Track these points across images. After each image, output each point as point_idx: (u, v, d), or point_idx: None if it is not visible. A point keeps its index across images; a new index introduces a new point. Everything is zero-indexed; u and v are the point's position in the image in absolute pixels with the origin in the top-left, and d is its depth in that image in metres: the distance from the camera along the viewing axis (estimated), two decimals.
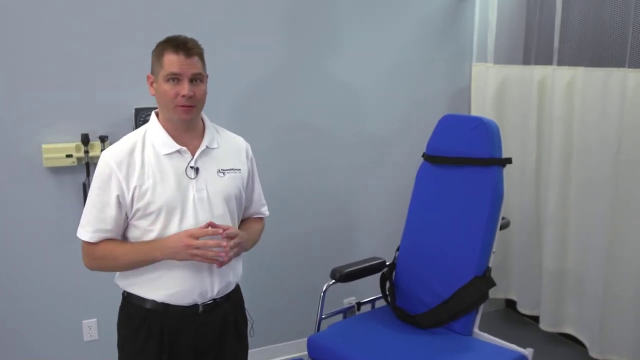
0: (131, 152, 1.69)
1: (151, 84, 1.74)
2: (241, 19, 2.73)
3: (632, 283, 2.69)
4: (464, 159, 2.21)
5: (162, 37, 2.55)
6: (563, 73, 2.92)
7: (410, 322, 2.22)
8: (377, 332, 2.17)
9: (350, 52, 3.02)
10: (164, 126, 1.73)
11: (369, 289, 2.58)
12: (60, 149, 2.48)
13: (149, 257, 1.68)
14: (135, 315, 1.76)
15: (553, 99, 2.96)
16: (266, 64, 2.80)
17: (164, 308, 1.72)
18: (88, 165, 2.53)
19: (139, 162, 1.68)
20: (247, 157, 1.88)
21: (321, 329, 2.25)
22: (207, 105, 1.78)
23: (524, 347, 2.06)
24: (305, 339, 2.23)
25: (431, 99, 3.29)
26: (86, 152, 2.50)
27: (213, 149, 1.78)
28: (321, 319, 2.16)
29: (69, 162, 2.48)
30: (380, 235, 3.22)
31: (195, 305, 1.74)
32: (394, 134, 3.22)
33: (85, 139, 2.50)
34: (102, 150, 2.49)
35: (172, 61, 1.65)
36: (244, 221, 1.91)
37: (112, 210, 1.67)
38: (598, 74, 2.75)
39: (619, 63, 2.71)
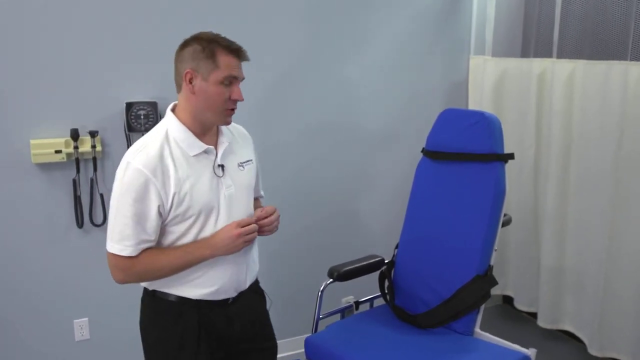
0: (161, 157, 1.62)
1: (190, 80, 1.65)
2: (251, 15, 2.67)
3: (632, 280, 2.66)
4: (465, 154, 2.17)
5: (156, 30, 2.52)
6: (563, 66, 2.88)
7: (410, 322, 2.17)
8: (376, 332, 2.13)
9: (346, 45, 2.97)
10: (186, 125, 1.68)
11: (367, 287, 2.53)
12: (49, 144, 2.41)
13: (197, 258, 1.66)
14: (167, 312, 1.73)
15: (552, 93, 2.92)
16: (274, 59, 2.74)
17: (196, 302, 1.71)
18: (78, 161, 2.48)
19: (171, 166, 1.62)
20: (252, 145, 1.91)
21: (319, 329, 2.20)
22: None
23: (523, 345, 2.03)
24: (302, 339, 2.19)
25: (428, 93, 3.25)
26: (76, 147, 2.44)
27: (230, 144, 1.78)
28: (319, 319, 2.11)
29: (58, 157, 2.42)
30: (378, 233, 3.19)
31: (227, 299, 1.76)
32: (391, 129, 3.17)
33: (75, 134, 2.44)
34: (92, 146, 2.45)
35: (231, 64, 1.63)
36: None
37: (152, 221, 1.62)
38: (599, 67, 2.71)
39: (620, 56, 2.67)
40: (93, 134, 2.46)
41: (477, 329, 2.12)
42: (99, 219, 2.57)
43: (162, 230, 1.67)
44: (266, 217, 1.75)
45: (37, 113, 2.41)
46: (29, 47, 2.35)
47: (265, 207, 1.78)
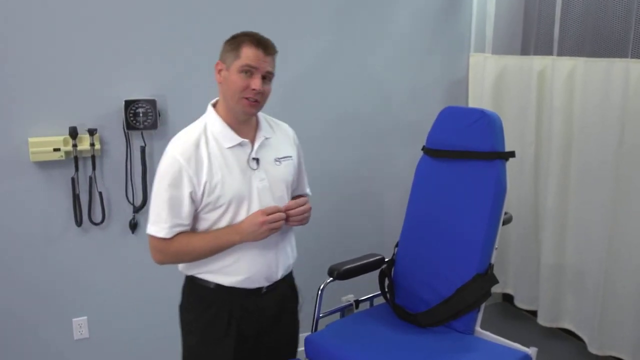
0: (197, 147, 1.73)
1: (219, 71, 1.78)
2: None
3: (633, 278, 2.65)
4: (466, 152, 2.15)
5: (155, 27, 2.51)
6: (563, 64, 2.87)
7: (410, 321, 2.16)
8: (376, 331, 2.11)
9: (346, 44, 2.96)
10: (223, 118, 1.79)
11: (367, 286, 2.52)
12: (47, 142, 2.40)
13: (227, 242, 1.76)
14: (202, 297, 1.85)
15: (553, 90, 2.91)
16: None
17: (230, 290, 1.81)
18: (77, 160, 2.46)
19: (205, 156, 1.73)
20: (295, 143, 1.99)
21: (319, 328, 2.19)
22: None
23: (523, 343, 2.02)
24: (302, 338, 2.17)
25: (428, 91, 3.24)
26: (74, 145, 2.43)
27: (269, 139, 1.87)
28: (318, 317, 2.10)
29: (56, 156, 2.41)
30: (378, 231, 3.17)
31: (260, 288, 1.85)
32: (390, 126, 3.16)
33: (74, 132, 2.42)
34: (90, 144, 2.44)
35: (251, 54, 1.71)
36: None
37: (185, 207, 1.73)
38: (600, 64, 2.70)
39: (621, 53, 2.66)
40: (92, 132, 2.45)
41: (478, 328, 2.11)
42: (97, 217, 2.56)
43: (196, 217, 1.78)
44: (296, 208, 1.81)
45: (35, 111, 2.39)
46: (27, 44, 2.33)
47: (298, 199, 1.86)
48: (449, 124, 2.25)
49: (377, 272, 2.36)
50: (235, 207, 1.77)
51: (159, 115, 2.56)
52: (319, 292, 2.09)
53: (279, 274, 1.88)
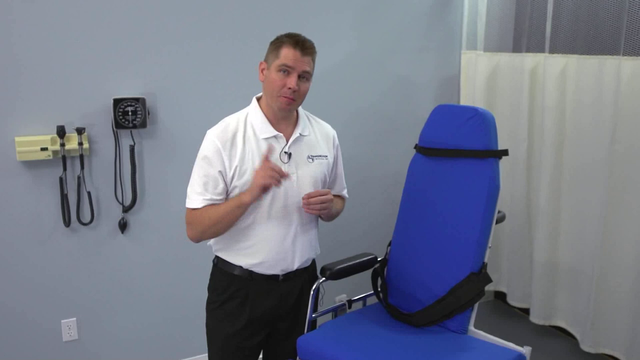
0: (235, 133, 1.89)
1: (262, 70, 1.92)
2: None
3: (627, 276, 2.65)
4: (459, 150, 2.13)
5: (144, 25, 2.48)
6: (555, 61, 2.86)
7: (404, 321, 2.14)
8: (369, 331, 2.09)
9: (338, 41, 2.93)
10: (264, 112, 1.93)
11: (359, 285, 2.50)
12: (34, 141, 2.36)
13: (238, 202, 1.83)
14: (223, 279, 1.99)
15: (545, 88, 2.90)
16: None
17: (249, 274, 1.95)
18: (65, 159, 2.43)
19: (240, 143, 1.87)
20: (333, 144, 2.08)
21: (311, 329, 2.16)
22: None
23: (515, 340, 2.01)
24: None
25: (420, 88, 3.23)
26: (62, 145, 2.40)
27: (305, 136, 1.98)
28: (311, 319, 2.08)
29: (44, 155, 2.37)
30: (370, 230, 3.16)
31: (276, 275, 1.97)
32: (382, 124, 3.15)
33: (61, 131, 2.39)
34: (78, 143, 2.41)
35: (288, 54, 1.83)
36: None
37: (218, 183, 1.87)
38: (592, 61, 2.70)
39: (613, 51, 2.65)
40: (80, 131, 2.42)
41: (472, 327, 2.09)
42: (86, 217, 2.53)
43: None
44: (316, 197, 1.89)
45: (22, 109, 2.36)
46: (13, 42, 2.30)
47: (322, 189, 1.96)
48: (442, 122, 2.23)
49: (369, 272, 2.34)
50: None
51: (149, 114, 2.53)
52: (312, 292, 2.06)
53: (295, 266, 1.98)
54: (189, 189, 1.92)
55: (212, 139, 1.88)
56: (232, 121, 1.92)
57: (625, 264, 2.65)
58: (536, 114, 3.03)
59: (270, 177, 1.77)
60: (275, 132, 1.91)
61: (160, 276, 2.73)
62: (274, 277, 1.97)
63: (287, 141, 1.93)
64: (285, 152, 1.92)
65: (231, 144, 1.87)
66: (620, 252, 2.67)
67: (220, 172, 1.86)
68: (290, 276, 2.00)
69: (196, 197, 1.88)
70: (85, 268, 2.58)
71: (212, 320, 2.05)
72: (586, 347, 2.83)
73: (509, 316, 3.44)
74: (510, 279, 3.31)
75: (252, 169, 1.86)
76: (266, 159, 1.81)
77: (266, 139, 1.90)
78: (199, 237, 1.94)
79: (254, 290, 1.97)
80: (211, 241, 2.02)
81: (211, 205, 1.88)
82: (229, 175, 1.87)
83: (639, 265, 2.60)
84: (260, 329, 2.02)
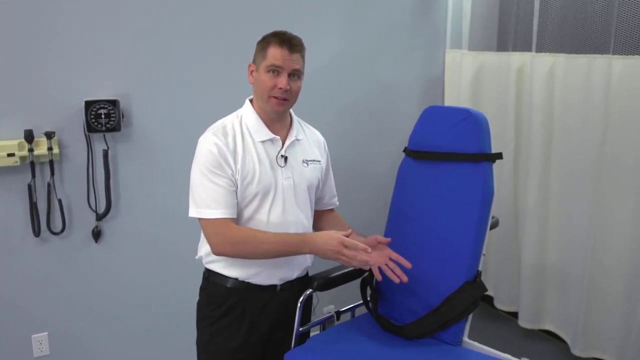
0: (234, 136, 1.82)
1: (251, 72, 1.87)
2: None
3: (618, 278, 2.61)
4: (451, 154, 2.04)
5: (117, 24, 2.37)
6: (543, 60, 2.81)
7: (395, 332, 2.05)
8: (359, 344, 1.99)
9: (321, 40, 2.84)
10: (258, 114, 1.86)
11: (347, 295, 2.41)
12: (0, 147, 2.23)
13: (296, 250, 1.79)
14: (218, 293, 1.90)
15: (532, 87, 2.85)
16: None
17: (245, 286, 1.87)
18: (33, 165, 2.30)
19: (240, 145, 1.81)
20: (325, 150, 2.06)
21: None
22: None
23: (503, 345, 1.96)
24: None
25: (403, 89, 3.17)
26: (30, 150, 2.27)
27: (299, 140, 1.94)
28: (298, 332, 1.98)
29: (11, 161, 2.25)
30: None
31: (274, 285, 1.91)
32: (366, 126, 3.07)
33: (29, 136, 2.26)
34: (48, 148, 2.28)
35: (276, 54, 1.77)
36: (325, 217, 2.12)
37: (234, 188, 1.78)
38: (580, 60, 2.66)
39: (602, 49, 2.60)
40: (49, 135, 2.29)
41: (466, 338, 2.02)
42: (57, 226, 2.39)
43: None
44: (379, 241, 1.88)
45: None
46: None
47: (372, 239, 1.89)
48: (433, 124, 2.14)
49: (358, 281, 2.25)
50: (260, 200, 1.82)
51: (123, 117, 2.41)
52: (299, 304, 1.96)
53: (294, 275, 1.94)
54: (203, 200, 1.77)
55: (214, 142, 1.78)
56: (227, 122, 1.86)
57: (616, 265, 2.62)
58: (523, 114, 2.97)
59: (341, 260, 1.74)
60: (271, 135, 1.86)
61: (137, 288, 2.61)
62: (271, 287, 1.91)
63: (283, 144, 1.88)
64: (282, 156, 1.87)
65: (233, 145, 1.80)
66: (611, 254, 2.63)
67: (231, 174, 1.78)
68: (287, 286, 1.94)
69: (218, 206, 1.76)
70: (56, 280, 2.45)
71: (206, 336, 1.94)
72: (577, 351, 2.79)
73: (497, 320, 3.38)
74: (498, 282, 3.26)
75: (252, 172, 1.80)
76: (342, 243, 1.73)
77: (262, 142, 1.85)
78: (228, 256, 1.83)
79: (251, 302, 1.90)
80: (202, 252, 1.92)
81: (247, 228, 1.81)
82: (236, 176, 1.80)
83: (630, 266, 2.57)
84: (259, 342, 1.94)
